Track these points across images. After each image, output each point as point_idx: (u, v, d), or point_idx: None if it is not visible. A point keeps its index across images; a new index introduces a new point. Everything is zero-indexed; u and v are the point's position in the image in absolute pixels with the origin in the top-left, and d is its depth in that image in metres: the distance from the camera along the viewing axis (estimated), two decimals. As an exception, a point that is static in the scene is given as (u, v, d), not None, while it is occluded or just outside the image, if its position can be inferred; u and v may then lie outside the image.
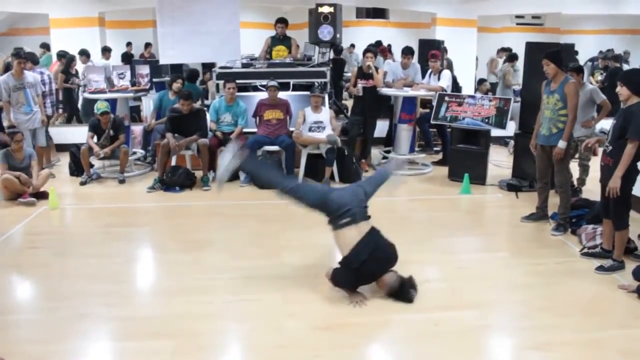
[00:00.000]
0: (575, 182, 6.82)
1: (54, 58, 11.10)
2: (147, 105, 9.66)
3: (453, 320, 3.92)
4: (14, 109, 7.33)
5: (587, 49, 15.44)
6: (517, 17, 18.09)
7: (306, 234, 5.56)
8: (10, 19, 15.96)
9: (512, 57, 12.28)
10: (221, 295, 4.29)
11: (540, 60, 5.63)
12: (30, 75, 7.62)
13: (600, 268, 4.70)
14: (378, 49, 11.17)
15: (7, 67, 9.35)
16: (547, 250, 5.23)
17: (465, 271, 4.75)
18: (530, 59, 7.09)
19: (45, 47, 11.95)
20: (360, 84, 7.92)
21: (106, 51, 11.55)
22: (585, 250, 5.06)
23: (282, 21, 8.80)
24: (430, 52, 8.30)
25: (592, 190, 6.49)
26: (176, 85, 8.26)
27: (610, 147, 4.64)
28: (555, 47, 6.28)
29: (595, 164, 6.80)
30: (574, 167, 6.58)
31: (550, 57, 5.46)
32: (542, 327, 3.85)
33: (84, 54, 10.29)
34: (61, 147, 8.60)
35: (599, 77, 12.07)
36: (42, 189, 6.74)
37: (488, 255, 5.19)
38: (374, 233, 4.20)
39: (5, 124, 7.58)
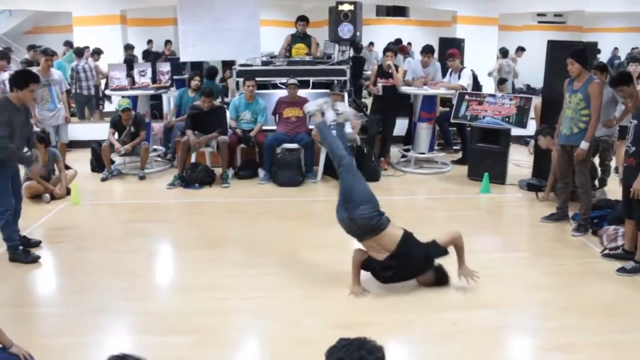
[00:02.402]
0: (596, 182, 6.73)
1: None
2: (168, 102, 9.74)
3: (472, 320, 3.90)
4: (39, 105, 7.42)
5: (610, 47, 15.25)
6: (539, 15, 17.92)
7: (325, 232, 5.56)
8: (34, 17, 16.20)
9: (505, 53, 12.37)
10: (240, 292, 4.31)
11: (562, 59, 5.56)
12: (56, 73, 7.74)
13: (622, 270, 4.63)
14: (398, 48, 11.12)
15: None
16: (567, 251, 5.18)
17: (485, 271, 4.69)
18: (552, 58, 7.00)
19: (69, 44, 12.10)
20: (380, 82, 7.89)
21: (128, 49, 11.66)
22: (607, 251, 4.99)
23: (303, 19, 8.80)
24: (448, 52, 8.25)
25: (613, 191, 6.40)
26: (194, 83, 8.33)
27: (634, 148, 4.57)
28: (578, 46, 6.21)
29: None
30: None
31: (574, 56, 5.36)
32: (562, 328, 3.81)
33: (77, 53, 10.52)
34: (83, 144, 8.71)
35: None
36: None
37: (508, 255, 5.15)
38: (408, 238, 4.20)
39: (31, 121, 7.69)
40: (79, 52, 10.43)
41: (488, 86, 11.48)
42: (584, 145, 5.32)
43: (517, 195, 6.92)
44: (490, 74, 12.23)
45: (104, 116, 10.85)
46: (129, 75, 8.30)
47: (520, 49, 14.10)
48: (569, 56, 5.38)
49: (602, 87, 5.46)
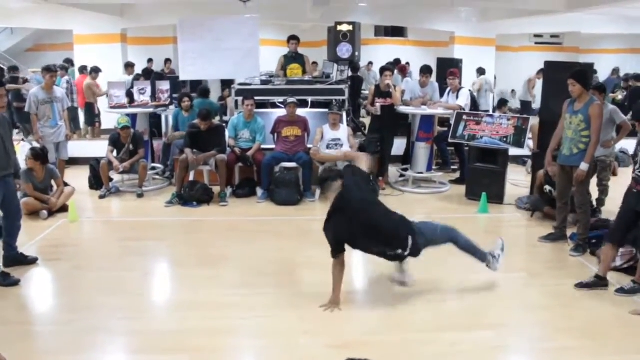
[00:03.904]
0: (594, 203, 6.74)
1: (77, 73, 11.35)
2: (166, 120, 9.77)
3: (469, 341, 3.88)
4: (40, 122, 7.43)
5: (606, 68, 15.38)
6: (536, 36, 18.13)
7: (322, 251, 5.51)
8: (36, 35, 16.36)
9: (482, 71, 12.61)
10: (237, 311, 4.29)
11: (559, 80, 5.59)
12: (59, 90, 7.77)
13: (620, 290, 4.62)
14: (397, 67, 11.19)
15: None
16: (565, 271, 5.17)
17: (483, 291, 4.71)
18: (549, 79, 7.06)
19: (69, 62, 12.18)
20: (379, 102, 7.92)
21: (129, 67, 11.74)
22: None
23: (294, 38, 8.86)
24: (449, 71, 8.32)
25: (611, 211, 6.40)
26: (184, 105, 8.35)
27: None
28: (576, 66, 6.26)
29: (614, 184, 6.75)
30: (593, 187, 6.50)
31: (576, 77, 5.35)
32: (560, 349, 3.79)
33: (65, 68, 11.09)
34: (81, 161, 8.72)
35: (620, 97, 11.99)
36: (61, 202, 6.82)
37: (506, 275, 5.12)
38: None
39: (31, 137, 7.72)
40: (66, 68, 11.06)
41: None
42: (584, 166, 5.32)
43: (515, 215, 6.92)
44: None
45: (102, 133, 10.94)
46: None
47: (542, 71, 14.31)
48: (570, 77, 5.38)
49: (602, 109, 5.47)
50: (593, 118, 5.27)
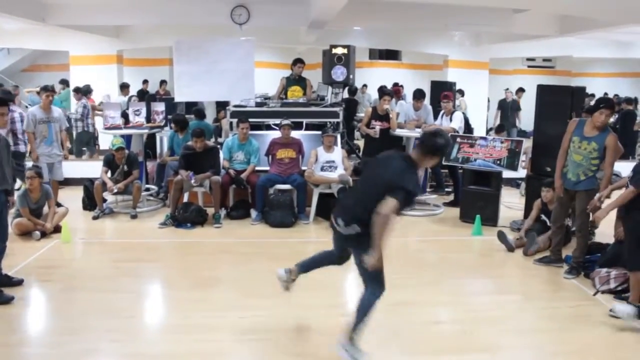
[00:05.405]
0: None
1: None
2: (161, 142, 9.77)
3: (464, 364, 3.86)
4: (36, 141, 7.40)
5: (598, 92, 15.56)
6: (528, 59, 18.34)
7: (316, 274, 5.51)
8: (32, 56, 16.42)
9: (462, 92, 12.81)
10: (230, 334, 4.26)
11: (551, 103, 5.61)
12: (56, 111, 7.74)
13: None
14: (393, 90, 11.27)
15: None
16: (560, 294, 5.17)
17: (477, 314, 4.69)
18: (542, 101, 7.11)
19: (65, 83, 12.20)
20: (376, 124, 7.93)
21: (124, 87, 11.77)
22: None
23: (301, 61, 8.93)
24: (443, 93, 8.39)
25: (604, 233, 6.42)
26: (175, 127, 8.35)
27: None
28: (569, 90, 6.29)
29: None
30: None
31: (614, 108, 5.35)
32: (555, 373, 3.78)
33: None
34: (75, 182, 8.69)
35: (611, 120, 12.08)
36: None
37: (500, 298, 5.13)
38: None
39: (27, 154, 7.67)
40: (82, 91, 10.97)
41: (479, 129, 11.61)
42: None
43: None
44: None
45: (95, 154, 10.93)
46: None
47: (521, 90, 14.49)
48: (609, 107, 5.29)
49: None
50: (609, 149, 5.25)
